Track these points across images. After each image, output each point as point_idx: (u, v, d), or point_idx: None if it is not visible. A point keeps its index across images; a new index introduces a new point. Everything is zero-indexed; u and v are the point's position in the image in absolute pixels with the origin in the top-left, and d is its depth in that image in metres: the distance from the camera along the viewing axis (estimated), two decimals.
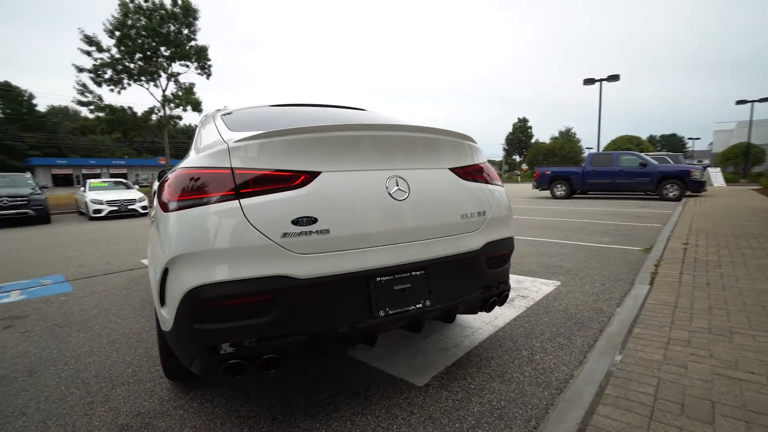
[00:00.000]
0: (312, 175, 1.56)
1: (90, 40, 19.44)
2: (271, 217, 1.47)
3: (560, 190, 15.81)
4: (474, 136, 2.11)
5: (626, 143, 37.27)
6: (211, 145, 1.71)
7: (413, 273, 1.72)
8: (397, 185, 1.69)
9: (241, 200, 1.46)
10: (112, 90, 20.57)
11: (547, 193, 17.47)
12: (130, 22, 19.96)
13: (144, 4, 20.35)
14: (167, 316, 1.56)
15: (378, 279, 1.64)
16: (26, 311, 3.51)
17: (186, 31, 21.53)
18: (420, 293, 1.73)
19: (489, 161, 2.24)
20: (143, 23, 20.23)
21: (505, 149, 79.85)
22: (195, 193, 1.48)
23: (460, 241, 1.84)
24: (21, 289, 4.27)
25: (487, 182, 2.06)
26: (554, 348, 2.42)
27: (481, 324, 2.83)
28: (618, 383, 1.90)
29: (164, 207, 1.56)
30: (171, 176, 1.66)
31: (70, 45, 22.34)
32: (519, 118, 78.34)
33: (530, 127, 76.93)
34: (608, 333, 2.55)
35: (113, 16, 19.76)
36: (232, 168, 1.50)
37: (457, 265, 1.85)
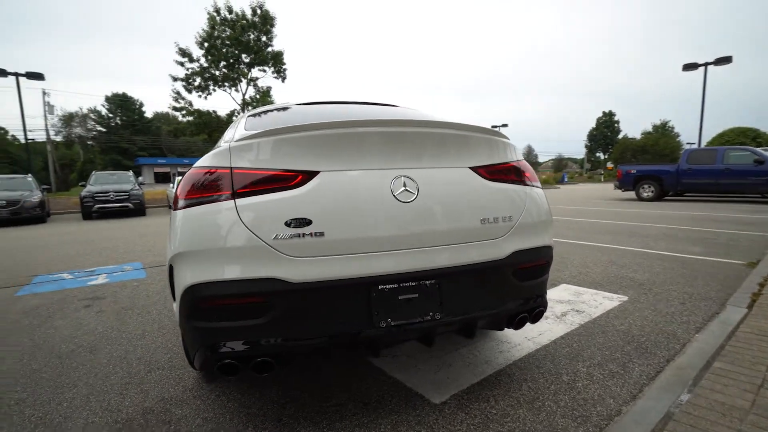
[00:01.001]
0: (310, 176, 1.48)
1: (183, 52, 21.80)
2: (264, 218, 1.42)
3: (647, 191, 14.03)
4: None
5: (738, 137, 31.98)
6: (220, 144, 1.74)
7: (422, 282, 1.56)
8: (404, 186, 1.55)
9: (237, 200, 1.44)
10: (200, 96, 22.88)
11: (632, 194, 15.62)
12: (216, 33, 21.98)
13: (228, 16, 22.27)
14: (175, 310, 1.61)
15: (380, 287, 1.51)
16: (105, 293, 3.98)
17: (264, 38, 23.12)
18: (429, 305, 1.57)
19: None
20: (227, 33, 22.14)
21: (587, 146, 73.54)
22: (198, 191, 1.49)
23: (479, 249, 1.64)
24: (107, 273, 4.88)
25: (519, 183, 1.81)
26: (603, 376, 2.07)
27: (522, 339, 2.55)
28: (678, 430, 1.55)
29: (175, 204, 1.60)
30: (185, 174, 1.71)
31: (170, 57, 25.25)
32: (604, 112, 71.51)
33: (617, 122, 69.88)
34: (677, 364, 2.13)
35: (203, 29, 21.93)
36: (231, 168, 1.49)
37: (475, 275, 1.65)
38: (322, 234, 1.44)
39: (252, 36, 22.83)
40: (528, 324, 1.87)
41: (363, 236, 1.48)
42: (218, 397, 2.00)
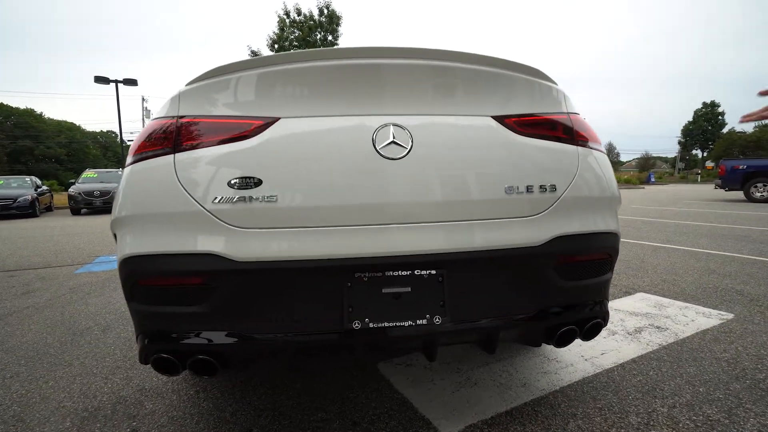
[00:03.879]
0: (268, 124, 1.13)
1: (254, 54, 23.07)
2: (204, 177, 1.11)
3: (761, 191, 11.72)
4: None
5: None
6: None
7: (416, 272, 1.14)
8: (392, 137, 1.13)
9: (177, 155, 1.14)
10: None
11: (738, 194, 13.17)
12: (285, 34, 22.92)
13: (297, 18, 23.10)
14: None
15: (356, 275, 1.12)
16: None
17: (330, 38, 23.62)
18: (426, 304, 1.13)
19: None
20: (296, 35, 22.97)
21: (680, 143, 65.02)
22: (143, 145, 1.21)
23: (503, 230, 1.16)
24: None
25: (568, 141, 1.29)
26: (694, 423, 1.46)
27: (576, 359, 1.97)
28: None
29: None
30: None
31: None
32: (704, 103, 62.54)
33: (721, 114, 60.76)
34: None
35: (273, 32, 23.00)
36: (178, 116, 1.19)
37: (496, 266, 1.18)
38: (273, 198, 1.08)
39: (319, 36, 23.44)
40: (578, 341, 1.34)
41: (329, 204, 1.09)
42: (196, 394, 1.75)
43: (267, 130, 1.12)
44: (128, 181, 1.19)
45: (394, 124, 1.14)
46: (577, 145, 1.29)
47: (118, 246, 1.22)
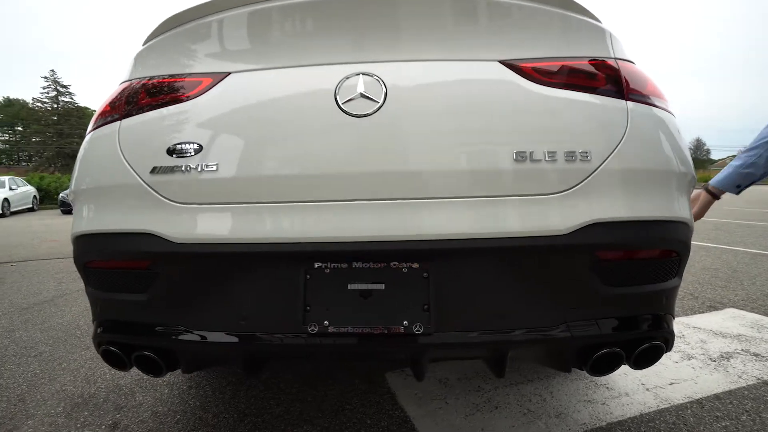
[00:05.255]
0: (216, 80, 0.95)
1: None
2: (145, 145, 0.95)
3: None
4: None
5: None
6: None
7: (393, 265, 0.88)
8: (360, 90, 0.88)
9: (123, 121, 1.00)
10: None
11: None
12: None
13: None
14: None
15: (316, 265, 0.89)
16: None
17: None
18: (405, 305, 0.87)
19: None
20: None
21: None
22: (100, 114, 1.09)
23: (510, 212, 0.86)
24: None
25: (612, 95, 0.93)
26: None
27: (634, 386, 1.56)
28: None
29: None
30: None
31: None
32: None
33: None
34: None
35: None
36: (131, 79, 1.06)
37: (502, 261, 0.88)
38: (213, 167, 0.89)
39: None
40: (623, 366, 0.98)
41: (278, 174, 0.88)
42: (188, 389, 1.65)
43: (214, 88, 0.94)
44: (80, 153, 1.07)
45: (364, 73, 0.89)
46: (628, 100, 0.93)
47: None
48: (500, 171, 0.85)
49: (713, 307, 2.51)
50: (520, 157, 0.85)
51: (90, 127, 1.10)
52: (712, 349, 1.88)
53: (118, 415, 1.47)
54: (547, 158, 0.85)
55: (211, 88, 0.94)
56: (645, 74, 1.02)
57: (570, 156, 0.86)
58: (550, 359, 1.03)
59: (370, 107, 0.87)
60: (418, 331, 0.85)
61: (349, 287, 0.88)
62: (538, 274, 0.88)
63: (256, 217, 0.88)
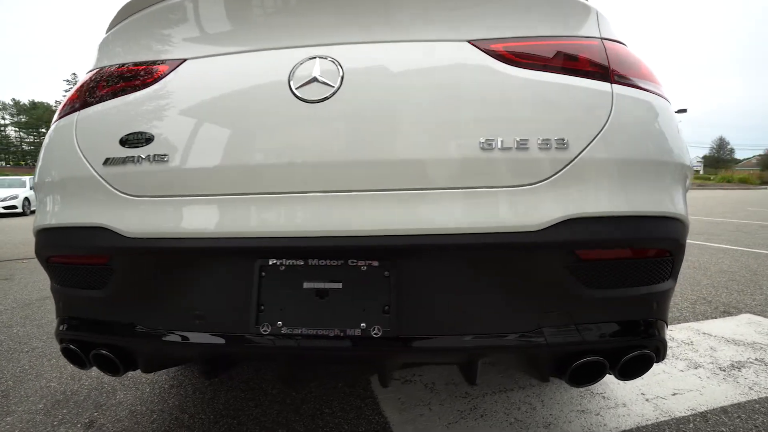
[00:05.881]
0: (172, 67, 0.91)
1: None
2: (99, 135, 0.93)
3: None
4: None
5: None
6: None
7: (351, 262, 0.82)
8: (315, 74, 0.82)
9: (81, 112, 0.97)
10: None
11: None
12: None
13: None
14: None
15: (270, 262, 0.84)
16: None
17: None
18: (363, 306, 0.81)
19: None
20: None
21: None
22: (63, 105, 1.07)
23: (477, 205, 0.78)
24: None
25: (596, 77, 0.85)
26: None
27: (633, 395, 1.46)
28: None
29: None
30: None
31: None
32: None
33: None
34: None
35: None
36: (94, 68, 1.03)
37: (469, 259, 0.81)
38: (163, 158, 0.85)
39: None
40: (614, 376, 0.90)
41: (230, 164, 0.83)
42: (170, 388, 1.62)
43: (168, 76, 0.90)
44: (43, 144, 1.05)
45: (321, 57, 0.84)
46: (614, 83, 0.84)
47: None
48: (464, 160, 0.78)
49: (728, 313, 2.37)
50: (488, 145, 0.77)
51: (54, 118, 1.07)
52: (723, 357, 1.76)
53: (95, 414, 1.45)
54: (517, 146, 0.77)
55: (165, 75, 0.90)
56: (636, 57, 0.94)
57: (544, 144, 0.78)
58: (527, 367, 0.95)
59: (324, 92, 0.81)
60: (376, 334, 0.79)
61: (304, 286, 0.82)
62: (509, 274, 0.80)
63: (207, 210, 0.84)
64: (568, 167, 0.78)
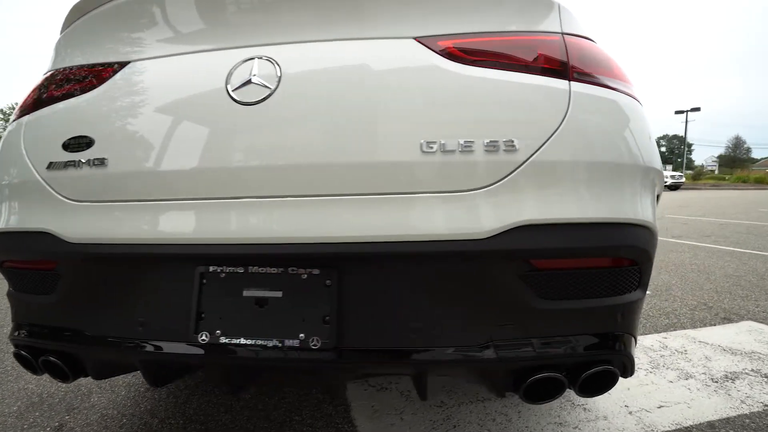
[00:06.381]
0: (116, 70, 0.89)
1: None
2: (44, 139, 0.91)
3: None
4: None
5: None
6: None
7: (291, 270, 0.78)
8: (252, 75, 0.79)
9: (31, 114, 0.96)
10: None
11: None
12: None
13: None
14: None
15: (211, 269, 0.81)
16: None
17: None
18: (303, 316, 0.77)
19: None
20: None
21: None
22: (19, 107, 1.05)
23: (420, 212, 0.74)
24: None
25: (553, 74, 0.79)
26: None
27: (615, 408, 1.39)
28: None
29: None
30: None
31: None
32: None
33: None
34: None
35: None
36: (48, 71, 1.02)
37: (414, 268, 0.77)
38: (103, 162, 0.82)
39: None
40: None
41: (168, 169, 0.80)
42: (145, 392, 1.61)
43: (112, 79, 0.88)
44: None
45: (260, 57, 0.80)
46: (573, 80, 0.79)
47: None
48: (404, 164, 0.74)
49: (728, 319, 2.28)
50: (429, 148, 0.73)
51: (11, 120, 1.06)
52: (716, 367, 1.68)
53: (67, 417, 1.44)
54: (461, 149, 0.73)
55: (109, 78, 0.88)
56: (604, 53, 0.88)
57: (491, 147, 0.73)
58: (482, 381, 0.90)
59: (261, 94, 0.78)
60: (314, 345, 0.75)
61: (244, 294, 0.79)
62: (456, 284, 0.76)
63: (145, 216, 0.81)
64: (517, 171, 0.73)
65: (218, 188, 0.78)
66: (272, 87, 0.78)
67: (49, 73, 0.99)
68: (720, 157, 76.31)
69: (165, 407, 1.49)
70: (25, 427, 1.39)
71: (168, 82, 0.85)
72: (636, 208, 0.80)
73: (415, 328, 0.76)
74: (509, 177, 0.73)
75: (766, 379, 1.58)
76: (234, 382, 0.92)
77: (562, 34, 0.83)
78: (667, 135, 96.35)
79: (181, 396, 1.56)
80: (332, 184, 0.75)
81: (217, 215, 0.79)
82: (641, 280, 0.84)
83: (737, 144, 78.68)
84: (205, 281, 0.81)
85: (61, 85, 0.93)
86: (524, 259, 0.74)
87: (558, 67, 0.79)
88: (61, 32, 1.02)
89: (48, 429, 1.37)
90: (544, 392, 0.80)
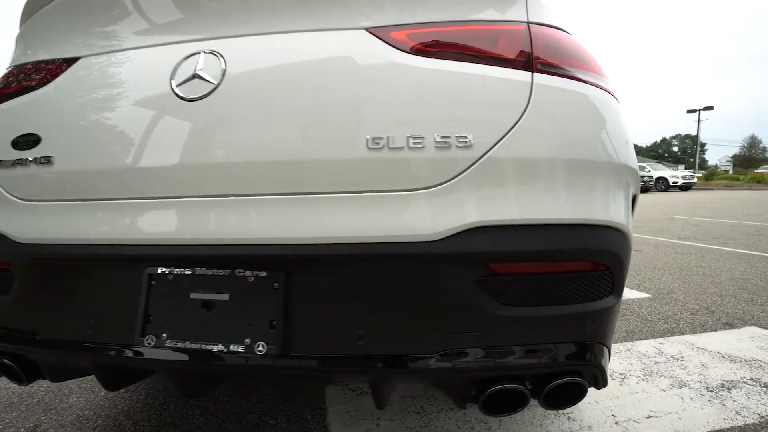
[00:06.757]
0: (68, 65, 0.87)
1: None
2: None
3: None
4: None
5: None
6: None
7: (238, 272, 0.75)
8: (196, 70, 0.76)
9: None
10: None
11: None
12: None
13: None
14: None
15: (159, 271, 0.78)
16: None
17: None
18: (249, 320, 0.74)
19: None
20: None
21: None
22: None
23: (366, 211, 0.70)
24: None
25: (514, 66, 0.75)
26: None
27: (602, 417, 1.34)
28: None
29: None
30: None
31: None
32: None
33: None
34: None
35: None
36: (8, 68, 1.00)
37: (365, 271, 0.73)
38: (49, 160, 0.80)
39: None
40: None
41: (113, 167, 0.78)
42: (125, 392, 1.59)
43: (63, 75, 0.86)
44: None
45: (207, 51, 0.77)
46: (537, 72, 0.74)
47: None
48: (350, 162, 0.70)
49: (730, 324, 2.19)
50: (375, 144, 0.69)
51: None
52: (713, 375, 1.61)
53: (43, 418, 1.43)
54: (410, 145, 0.69)
55: (60, 74, 0.86)
56: (575, 44, 0.83)
57: (443, 143, 0.69)
58: (443, 391, 0.86)
59: (204, 89, 0.75)
60: (260, 351, 0.72)
61: (191, 297, 0.76)
62: (408, 289, 0.72)
63: (95, 216, 0.79)
64: (471, 169, 0.69)
65: (163, 187, 0.76)
66: (216, 82, 0.75)
67: (9, 69, 0.97)
68: (734, 156, 74.79)
69: (141, 409, 1.47)
70: (0, 427, 1.38)
71: (116, 78, 0.82)
72: (606, 209, 0.75)
73: (364, 335, 0.72)
74: (462, 175, 0.69)
75: (764, 389, 1.51)
76: (187, 387, 0.89)
77: (528, 23, 0.78)
78: (679, 134, 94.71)
79: (159, 398, 1.54)
80: (276, 183, 0.72)
81: (164, 215, 0.76)
82: (614, 286, 0.79)
83: (752, 143, 77.07)
84: (154, 283, 0.78)
85: (13, 82, 0.91)
86: (481, 263, 0.70)
87: (520, 57, 0.74)
88: (20, 27, 1.01)
89: (22, 430, 1.36)
90: (506, 404, 0.75)
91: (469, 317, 0.72)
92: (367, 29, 0.76)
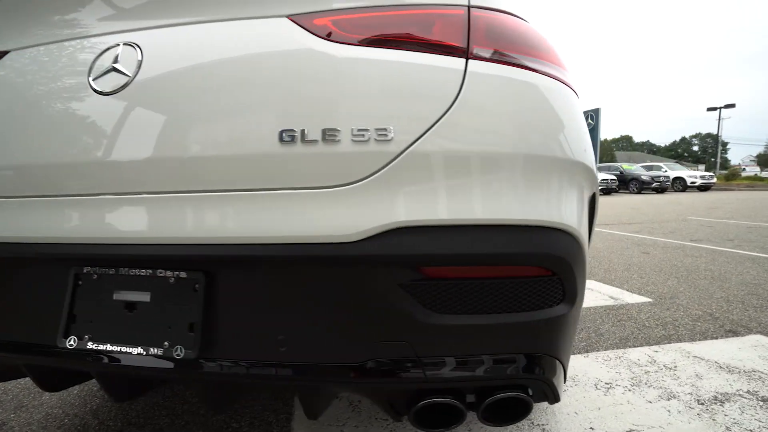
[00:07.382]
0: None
1: None
2: None
3: None
4: None
5: None
6: None
7: (159, 272, 0.72)
8: (114, 63, 0.73)
9: None
10: None
11: None
12: None
13: None
14: None
15: (85, 270, 0.75)
16: None
17: None
18: (168, 322, 0.70)
19: None
20: None
21: None
22: None
23: (278, 210, 0.66)
24: None
25: (446, 52, 0.69)
26: None
27: (581, 431, 1.26)
28: None
29: None
30: None
31: None
32: None
33: None
34: None
35: None
36: None
37: (283, 275, 0.68)
38: None
39: None
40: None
41: (31, 163, 0.76)
42: (98, 391, 1.58)
43: None
44: None
45: (126, 43, 0.74)
46: (472, 58, 0.68)
47: None
48: (261, 157, 0.66)
49: (733, 332, 2.07)
50: (288, 137, 0.64)
51: None
52: (706, 387, 1.52)
53: (12, 415, 1.43)
54: (324, 139, 0.64)
55: None
56: (527, 29, 0.77)
57: (359, 135, 0.64)
58: (375, 402, 0.80)
59: (119, 82, 0.71)
60: (178, 355, 0.68)
61: (114, 297, 0.73)
62: (328, 293, 0.67)
63: (12, 212, 0.76)
64: (392, 164, 0.64)
65: (84, 185, 0.73)
66: (131, 75, 0.72)
67: None
68: (759, 156, 72.11)
69: (109, 408, 1.46)
70: None
71: (39, 73, 0.80)
72: (551, 209, 0.69)
73: (284, 341, 0.67)
74: (383, 171, 0.64)
75: (761, 403, 1.41)
76: (112, 390, 0.86)
77: (469, 7, 0.72)
78: (699, 133, 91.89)
79: (131, 401, 1.53)
80: (192, 179, 0.68)
81: (88, 213, 0.73)
82: (565, 294, 0.72)
83: None
84: (80, 283, 0.75)
85: None
86: (408, 267, 0.64)
87: (454, 43, 0.68)
88: None
89: None
90: (435, 420, 0.70)
91: (397, 325, 0.67)
92: (289, 16, 0.71)
